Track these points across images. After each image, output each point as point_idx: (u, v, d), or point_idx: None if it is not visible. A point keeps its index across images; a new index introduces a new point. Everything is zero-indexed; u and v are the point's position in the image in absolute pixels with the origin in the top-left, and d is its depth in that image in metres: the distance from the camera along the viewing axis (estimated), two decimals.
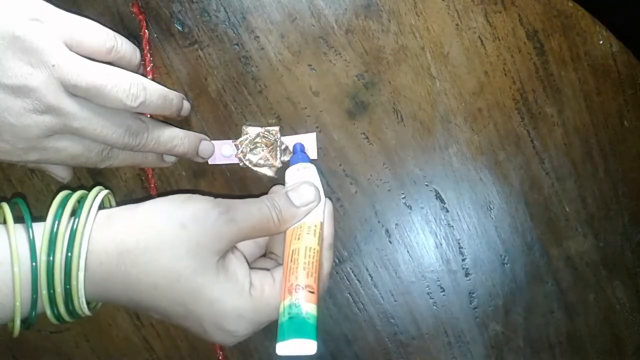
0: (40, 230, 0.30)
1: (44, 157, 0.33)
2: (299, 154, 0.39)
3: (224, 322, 0.32)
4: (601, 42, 0.41)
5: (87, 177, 0.41)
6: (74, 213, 0.31)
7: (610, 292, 0.45)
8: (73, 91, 0.31)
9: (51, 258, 0.29)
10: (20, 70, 0.30)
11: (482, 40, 0.40)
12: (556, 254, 0.44)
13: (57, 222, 0.30)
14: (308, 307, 0.31)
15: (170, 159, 0.39)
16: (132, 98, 0.32)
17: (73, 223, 0.30)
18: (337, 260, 0.43)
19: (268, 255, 0.38)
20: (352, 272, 0.43)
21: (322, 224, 0.35)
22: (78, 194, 0.32)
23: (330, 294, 0.43)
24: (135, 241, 0.30)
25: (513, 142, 0.42)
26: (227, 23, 0.39)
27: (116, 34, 0.34)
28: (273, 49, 0.40)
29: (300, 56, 0.40)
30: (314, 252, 0.33)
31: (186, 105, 0.39)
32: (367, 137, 0.41)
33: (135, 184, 0.41)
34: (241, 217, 0.32)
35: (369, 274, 0.43)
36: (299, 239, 0.34)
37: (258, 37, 0.40)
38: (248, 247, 0.36)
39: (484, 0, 0.40)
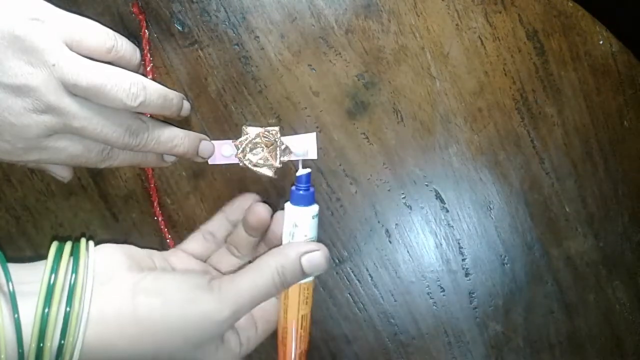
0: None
1: (44, 157, 0.33)
2: (307, 194, 0.37)
3: None
4: (601, 42, 0.41)
5: (87, 178, 0.41)
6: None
7: (610, 292, 0.45)
8: (73, 91, 0.31)
9: (41, 345, 0.28)
10: (21, 69, 0.30)
11: (482, 40, 0.40)
12: (556, 254, 0.44)
13: (47, 309, 0.28)
14: None
15: (170, 159, 0.39)
16: (132, 98, 0.32)
17: (66, 312, 0.28)
18: (337, 260, 0.43)
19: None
20: (352, 272, 0.43)
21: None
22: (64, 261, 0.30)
23: (330, 294, 0.43)
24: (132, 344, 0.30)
25: (513, 142, 0.42)
26: (227, 23, 0.39)
27: (116, 33, 0.34)
28: (273, 49, 0.40)
29: (300, 56, 0.40)
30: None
31: (186, 105, 0.39)
32: (367, 137, 0.41)
33: (135, 184, 0.41)
34: (245, 306, 0.32)
35: (369, 274, 0.43)
36: (306, 303, 0.36)
37: (258, 37, 0.40)
38: None
39: (484, 0, 0.40)
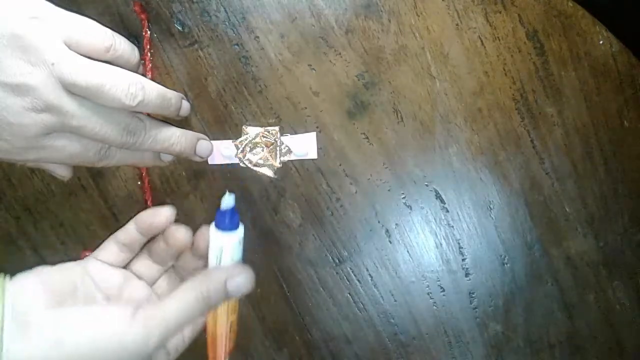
0: None
1: (42, 156, 0.33)
2: (233, 218, 0.35)
3: None
4: (601, 42, 0.41)
5: (87, 178, 0.41)
6: None
7: (610, 292, 0.45)
8: (72, 90, 0.31)
9: None
10: (20, 68, 0.30)
11: (482, 40, 0.40)
12: (556, 254, 0.44)
13: None
14: None
15: (167, 158, 0.39)
16: (131, 97, 0.32)
17: None
18: (337, 260, 0.43)
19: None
20: (352, 272, 0.43)
21: None
22: None
23: (330, 294, 0.43)
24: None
25: (513, 142, 0.42)
26: (227, 23, 0.39)
27: (115, 33, 0.34)
28: (273, 49, 0.40)
29: (300, 56, 0.40)
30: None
31: (185, 105, 0.39)
32: (367, 137, 0.41)
33: (134, 184, 0.41)
34: (171, 331, 0.31)
35: (369, 274, 0.43)
36: (234, 312, 0.36)
37: (258, 37, 0.40)
38: None
39: (484, 0, 0.40)
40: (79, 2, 0.39)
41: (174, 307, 0.31)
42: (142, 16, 0.39)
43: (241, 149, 0.40)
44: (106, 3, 0.39)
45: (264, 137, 0.40)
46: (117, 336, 0.30)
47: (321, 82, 0.40)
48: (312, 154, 0.41)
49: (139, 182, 0.41)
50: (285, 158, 0.40)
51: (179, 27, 0.39)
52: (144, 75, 0.38)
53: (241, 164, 0.40)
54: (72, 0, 0.39)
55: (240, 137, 0.40)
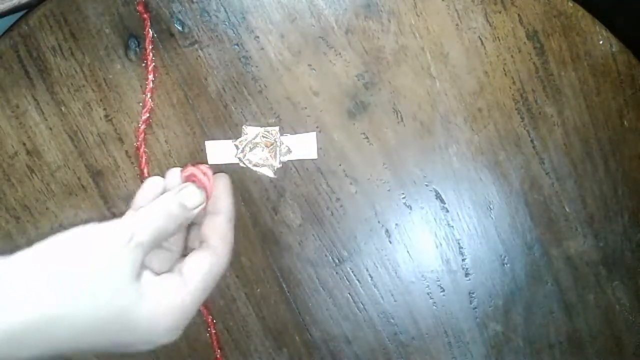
0: None
1: None
2: None
3: (155, 341, 0.33)
4: (601, 42, 0.41)
5: (87, 178, 0.41)
6: None
7: (610, 292, 0.45)
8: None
9: None
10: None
11: (482, 40, 0.40)
12: (556, 254, 0.44)
13: None
14: None
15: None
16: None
17: None
18: (337, 260, 0.43)
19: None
20: (352, 272, 0.43)
21: None
22: None
23: (330, 294, 0.43)
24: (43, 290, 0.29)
25: (513, 142, 0.42)
26: (227, 23, 0.39)
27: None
28: (273, 49, 0.40)
29: (300, 56, 0.40)
30: None
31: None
32: (367, 137, 0.41)
33: (135, 184, 0.41)
34: (138, 238, 0.32)
35: (369, 274, 0.43)
36: None
37: (258, 37, 0.40)
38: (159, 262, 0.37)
39: (484, 0, 0.40)
40: (78, 2, 0.39)
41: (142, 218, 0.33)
42: (145, 16, 0.39)
43: (241, 149, 0.40)
44: (106, 3, 0.39)
45: (263, 137, 0.40)
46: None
47: (321, 82, 0.40)
48: (312, 154, 0.41)
49: (140, 182, 0.41)
50: (285, 158, 0.40)
51: (179, 27, 0.39)
52: (145, 77, 0.39)
53: (241, 164, 0.40)
54: (72, 0, 0.39)
55: (240, 137, 0.40)
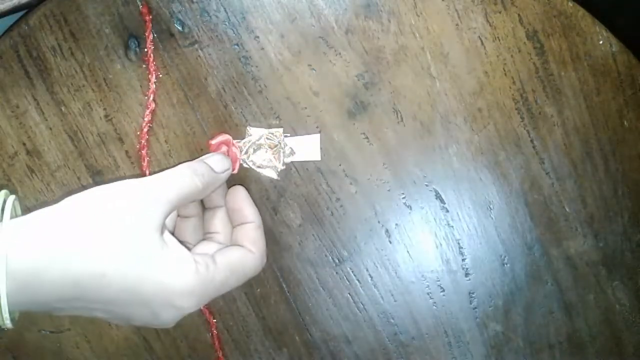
0: None
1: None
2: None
3: (174, 300, 0.31)
4: (601, 42, 0.41)
5: (87, 178, 0.41)
6: None
7: (610, 292, 0.45)
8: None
9: None
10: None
11: (482, 40, 0.40)
12: (556, 254, 0.44)
13: None
14: None
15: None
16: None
17: None
18: (337, 260, 0.43)
19: (207, 237, 0.39)
20: (352, 272, 0.43)
21: None
22: None
23: (330, 294, 0.43)
24: (68, 239, 0.29)
25: (513, 142, 0.42)
26: (227, 23, 0.39)
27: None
28: (273, 49, 0.40)
29: (300, 56, 0.40)
30: None
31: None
32: (367, 137, 0.41)
33: None
34: (166, 192, 0.33)
35: (369, 274, 0.43)
36: None
37: (258, 37, 0.40)
38: (188, 232, 0.38)
39: (484, 0, 0.40)
40: (78, 2, 0.39)
41: (168, 176, 0.34)
42: (147, 18, 0.39)
43: (245, 150, 0.40)
44: (106, 3, 0.39)
45: (268, 138, 0.40)
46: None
47: (321, 82, 0.40)
48: (316, 155, 0.41)
49: None
50: (289, 159, 0.40)
51: (179, 27, 0.39)
52: (148, 78, 0.39)
53: (244, 165, 0.40)
54: (72, 0, 0.39)
55: (244, 138, 0.40)
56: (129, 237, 0.30)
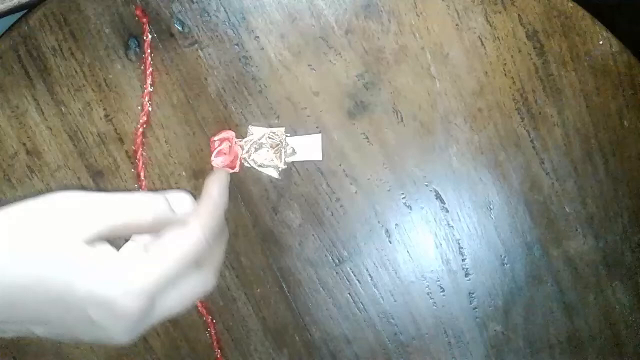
0: None
1: None
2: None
3: (108, 302, 0.28)
4: (601, 42, 0.41)
5: (87, 178, 0.41)
6: None
7: (610, 292, 0.45)
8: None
9: None
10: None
11: (482, 41, 0.40)
12: (556, 254, 0.44)
13: None
14: None
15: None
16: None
17: None
18: (337, 260, 0.43)
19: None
20: (352, 272, 0.43)
21: None
22: None
23: (330, 294, 0.43)
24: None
25: (513, 142, 0.42)
26: (227, 23, 0.39)
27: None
28: (273, 49, 0.40)
29: (300, 56, 0.40)
30: None
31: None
32: (367, 137, 0.41)
33: (134, 184, 0.41)
34: (105, 215, 0.29)
35: (369, 274, 0.43)
36: None
37: (258, 37, 0.40)
38: None
39: (484, 0, 0.40)
40: (78, 2, 0.39)
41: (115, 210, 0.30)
42: (144, 20, 0.39)
43: (246, 149, 0.40)
44: (106, 3, 0.39)
45: (269, 138, 0.40)
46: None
47: (321, 82, 0.40)
48: (317, 155, 0.41)
49: (138, 184, 0.41)
50: (290, 159, 0.40)
51: (179, 27, 0.39)
52: (144, 78, 0.39)
53: (245, 164, 0.40)
54: (72, 0, 0.39)
55: (245, 137, 0.40)
56: (53, 248, 0.28)
